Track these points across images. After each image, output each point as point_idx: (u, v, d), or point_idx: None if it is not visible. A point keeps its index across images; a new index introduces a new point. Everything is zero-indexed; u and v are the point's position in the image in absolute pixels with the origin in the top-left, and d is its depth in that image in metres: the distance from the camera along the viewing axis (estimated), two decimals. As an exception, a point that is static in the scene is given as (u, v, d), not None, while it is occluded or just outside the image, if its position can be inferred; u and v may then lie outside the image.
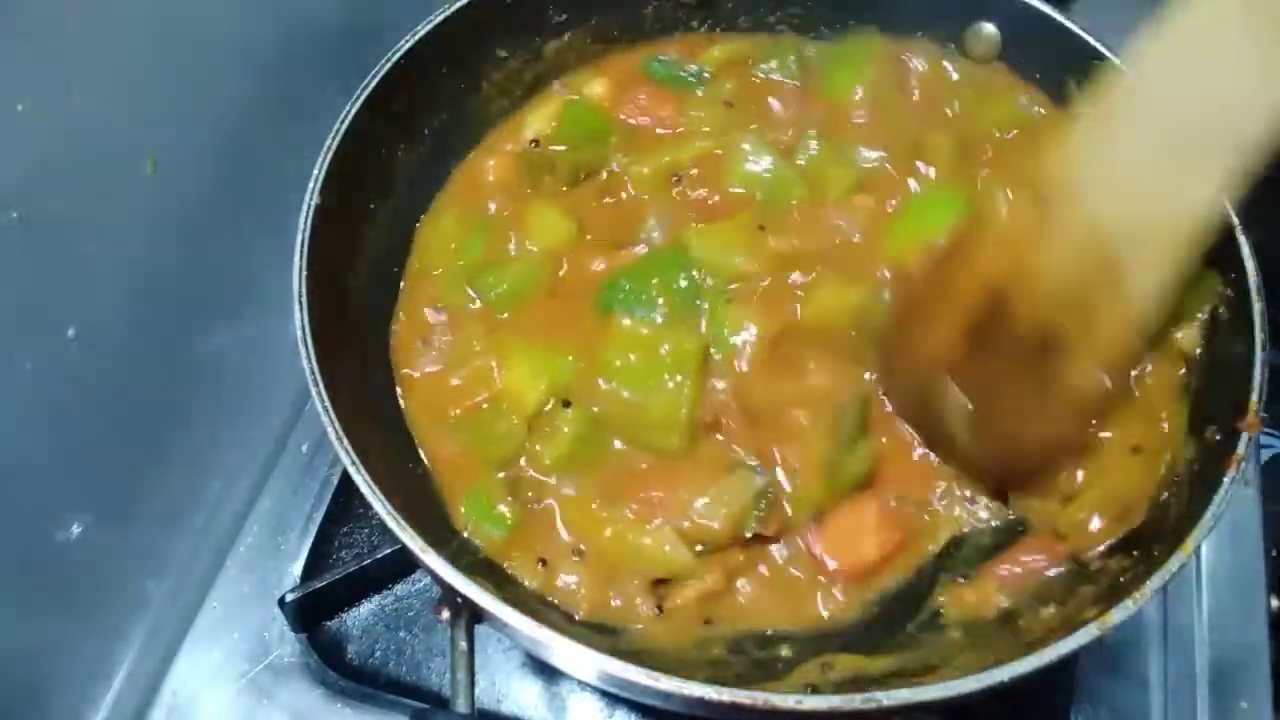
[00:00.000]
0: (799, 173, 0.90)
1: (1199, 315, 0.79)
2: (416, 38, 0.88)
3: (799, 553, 0.77)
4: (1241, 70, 0.55)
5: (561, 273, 0.88)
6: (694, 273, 0.84)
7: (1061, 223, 0.64)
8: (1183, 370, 0.80)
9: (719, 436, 0.80)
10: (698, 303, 0.83)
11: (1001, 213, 0.69)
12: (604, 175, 0.93)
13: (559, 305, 0.86)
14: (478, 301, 0.87)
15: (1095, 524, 0.74)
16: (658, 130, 0.97)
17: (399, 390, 0.85)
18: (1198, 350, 0.79)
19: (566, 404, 0.80)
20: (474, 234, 0.91)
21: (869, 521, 0.77)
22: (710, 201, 0.91)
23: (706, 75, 1.00)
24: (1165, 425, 0.77)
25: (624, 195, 0.92)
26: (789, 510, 0.77)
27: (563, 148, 0.95)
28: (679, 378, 0.79)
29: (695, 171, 0.92)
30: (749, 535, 0.76)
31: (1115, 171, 0.62)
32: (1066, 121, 0.67)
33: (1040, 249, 0.64)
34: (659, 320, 0.82)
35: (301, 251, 0.76)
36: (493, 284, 0.87)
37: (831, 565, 0.77)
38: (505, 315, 0.87)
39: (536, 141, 0.97)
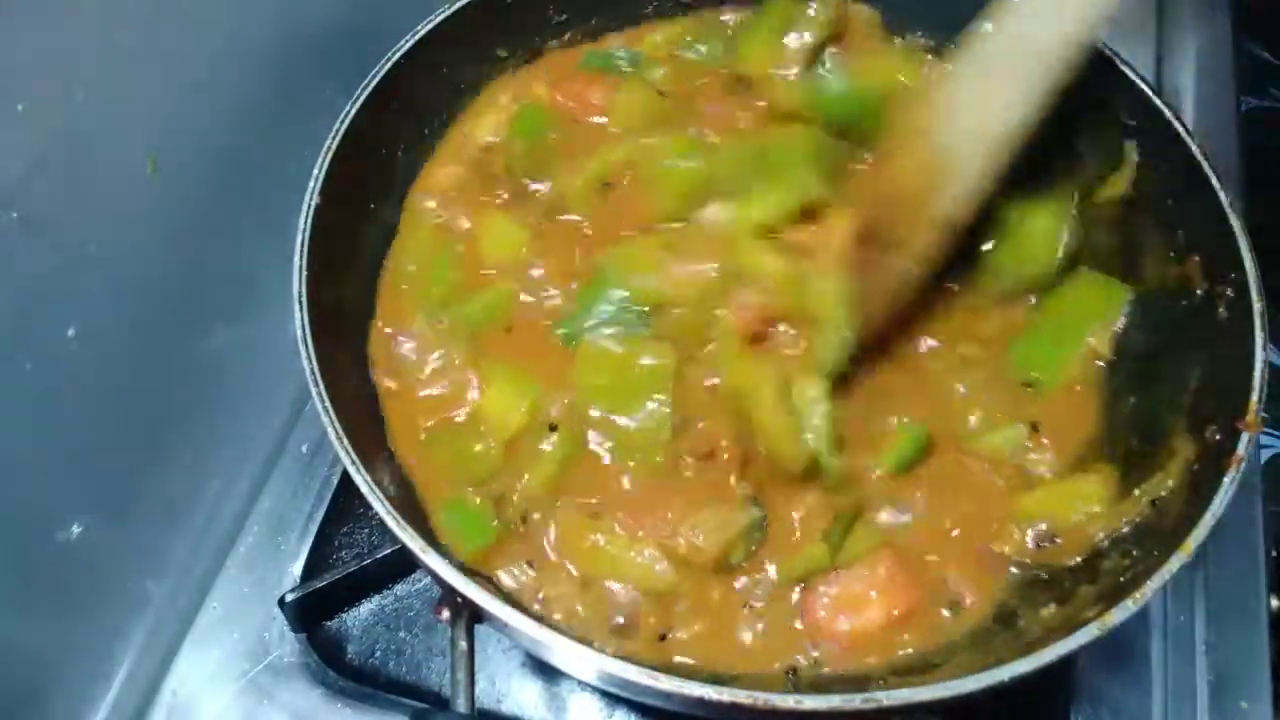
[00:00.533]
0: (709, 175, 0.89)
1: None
2: (416, 38, 0.88)
3: (789, 606, 0.75)
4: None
5: (519, 301, 0.88)
6: (620, 292, 0.83)
7: (924, 147, 0.78)
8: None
9: (714, 464, 0.79)
10: (638, 323, 0.82)
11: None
12: (548, 187, 0.92)
13: (523, 335, 0.86)
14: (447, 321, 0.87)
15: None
16: (591, 119, 0.96)
17: (379, 395, 0.84)
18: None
19: (553, 428, 0.79)
20: (439, 254, 0.90)
21: (879, 580, 0.74)
22: (640, 210, 0.89)
23: (641, 59, 0.99)
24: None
25: (567, 212, 0.91)
26: (771, 568, 0.76)
27: (516, 151, 0.94)
28: (658, 396, 0.79)
29: (625, 180, 0.91)
30: (735, 563, 0.75)
31: (963, 102, 0.77)
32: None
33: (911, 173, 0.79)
34: (620, 343, 0.82)
35: (301, 251, 0.76)
36: (464, 314, 0.86)
37: (831, 628, 0.74)
38: (478, 339, 0.86)
39: (489, 148, 0.95)
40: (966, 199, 0.78)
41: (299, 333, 0.73)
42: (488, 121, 0.98)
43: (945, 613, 0.75)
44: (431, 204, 0.93)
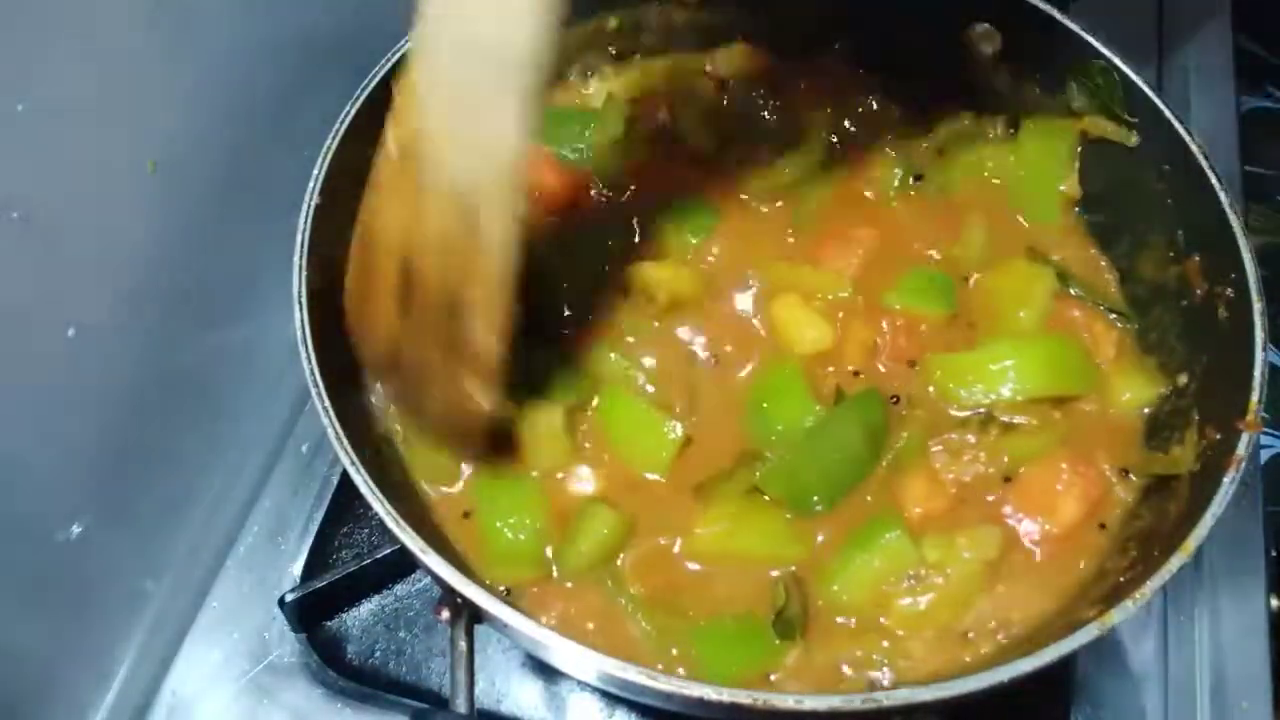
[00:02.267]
0: None
1: None
2: (416, 38, 0.88)
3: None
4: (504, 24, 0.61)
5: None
6: None
7: (423, 179, 0.68)
8: None
9: None
10: None
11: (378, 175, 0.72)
12: None
13: None
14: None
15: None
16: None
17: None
18: None
19: None
20: None
21: (1064, 477, 0.78)
22: None
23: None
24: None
25: None
26: None
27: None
28: None
29: None
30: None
31: (443, 126, 0.66)
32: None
33: (415, 208, 0.69)
34: None
35: (301, 251, 0.76)
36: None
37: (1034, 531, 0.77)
38: None
39: None
40: (509, 229, 0.67)
41: (299, 333, 0.73)
42: None
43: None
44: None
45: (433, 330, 0.71)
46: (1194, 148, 0.80)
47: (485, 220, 0.66)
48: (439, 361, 0.73)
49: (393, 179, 0.70)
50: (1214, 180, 0.79)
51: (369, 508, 0.66)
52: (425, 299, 0.71)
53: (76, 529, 0.80)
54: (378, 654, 0.92)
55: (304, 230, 0.77)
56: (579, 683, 0.88)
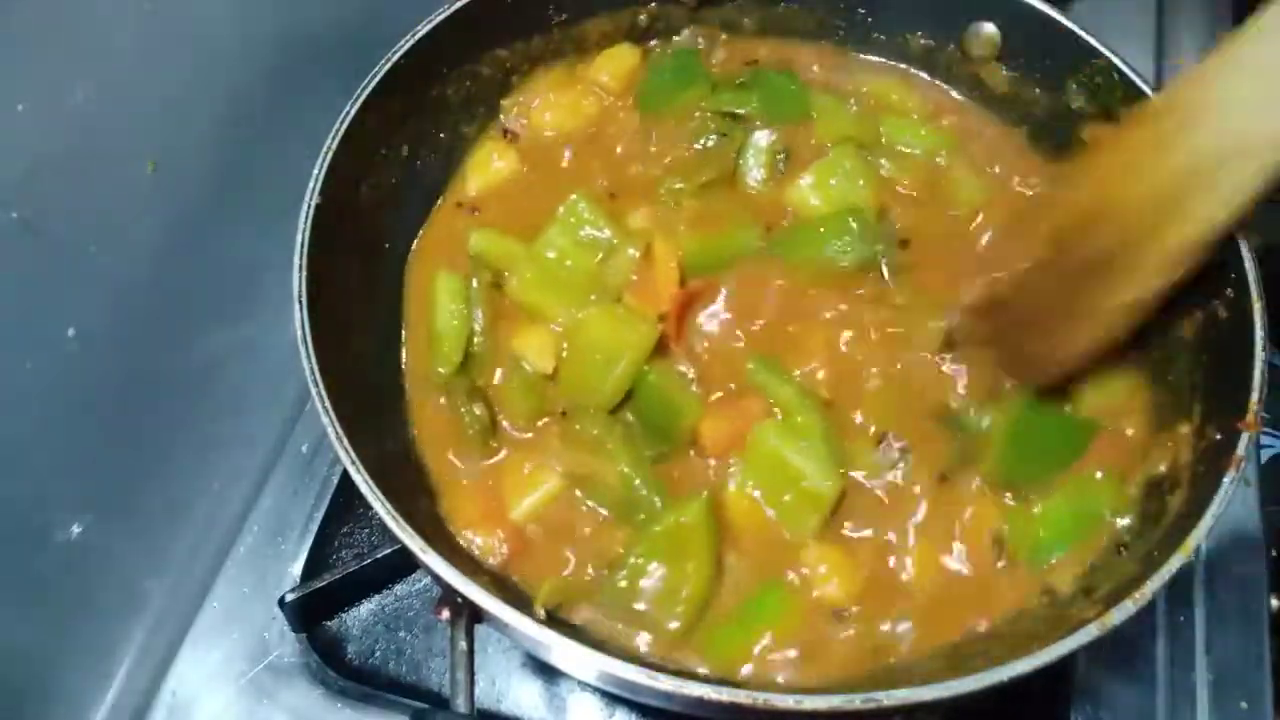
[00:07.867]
0: None
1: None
2: (416, 38, 0.88)
3: None
4: None
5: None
6: None
7: (1171, 145, 0.67)
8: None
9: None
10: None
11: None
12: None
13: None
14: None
15: None
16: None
17: (410, 417, 0.85)
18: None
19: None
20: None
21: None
22: None
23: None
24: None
25: None
26: None
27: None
28: None
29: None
30: None
31: (1249, 90, 0.64)
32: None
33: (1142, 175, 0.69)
34: None
35: (301, 251, 0.76)
36: None
37: None
38: None
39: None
40: (1222, 221, 0.65)
41: (299, 333, 0.73)
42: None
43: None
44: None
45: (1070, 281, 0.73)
46: (1194, 148, 0.80)
47: (1196, 204, 0.65)
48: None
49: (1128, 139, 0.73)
50: (1214, 180, 0.78)
51: (369, 508, 0.66)
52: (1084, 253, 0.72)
53: (76, 529, 0.80)
54: (378, 654, 0.92)
55: (304, 230, 0.77)
56: (579, 683, 0.88)
